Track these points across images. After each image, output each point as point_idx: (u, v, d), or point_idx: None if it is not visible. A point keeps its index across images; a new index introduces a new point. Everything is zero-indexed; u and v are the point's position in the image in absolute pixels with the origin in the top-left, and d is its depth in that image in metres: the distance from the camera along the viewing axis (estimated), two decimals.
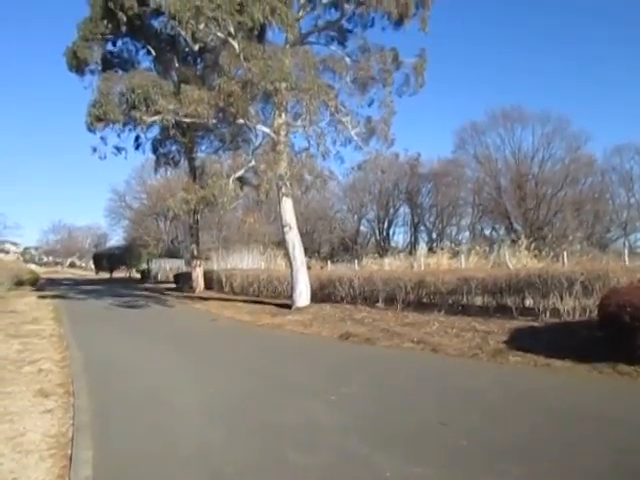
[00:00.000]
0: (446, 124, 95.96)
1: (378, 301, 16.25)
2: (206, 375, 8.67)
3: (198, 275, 30.08)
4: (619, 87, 70.95)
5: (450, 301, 14.49)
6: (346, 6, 17.75)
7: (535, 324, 11.44)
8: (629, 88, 70.34)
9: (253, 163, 18.11)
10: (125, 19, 18.00)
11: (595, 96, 72.98)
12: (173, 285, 35.36)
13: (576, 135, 45.20)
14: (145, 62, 24.55)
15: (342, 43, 19.29)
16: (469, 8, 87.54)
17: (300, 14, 17.87)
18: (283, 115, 17.54)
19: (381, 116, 18.38)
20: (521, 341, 9.99)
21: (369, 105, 18.63)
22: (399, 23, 17.61)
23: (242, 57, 15.51)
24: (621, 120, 72.31)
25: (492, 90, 79.45)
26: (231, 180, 17.08)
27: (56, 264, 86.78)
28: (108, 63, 22.84)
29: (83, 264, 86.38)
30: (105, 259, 58.36)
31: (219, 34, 15.66)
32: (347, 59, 18.10)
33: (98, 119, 17.46)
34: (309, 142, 17.60)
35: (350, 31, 19.15)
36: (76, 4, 58.94)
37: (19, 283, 29.62)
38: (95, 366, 9.30)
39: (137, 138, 23.95)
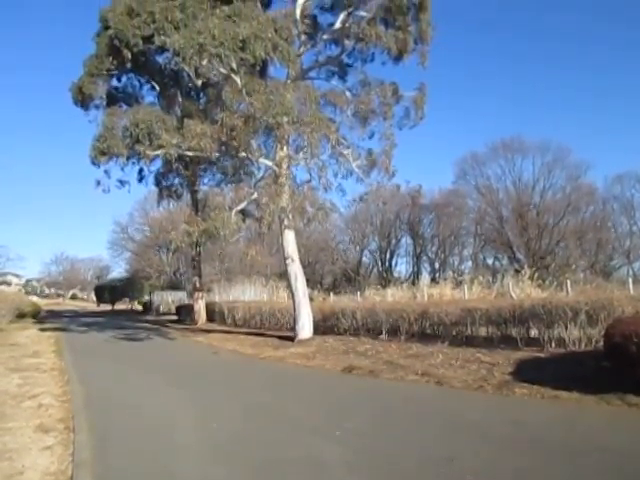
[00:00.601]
0: (446, 155, 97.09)
1: (381, 333, 16.12)
2: (208, 410, 8.54)
3: (200, 307, 29.99)
4: (618, 116, 71.90)
5: (454, 332, 14.35)
6: (346, 42, 18.15)
7: (540, 355, 11.31)
8: (628, 117, 71.28)
9: (255, 196, 18.22)
10: (130, 56, 18.35)
11: (594, 125, 73.90)
12: (175, 317, 35.23)
13: (576, 164, 45.64)
14: (149, 97, 25.06)
15: (343, 77, 19.69)
16: (468, 40, 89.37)
17: (301, 50, 18.25)
18: (285, 148, 17.73)
19: (382, 148, 18.60)
20: (527, 372, 9.87)
21: (370, 138, 18.89)
22: (398, 58, 18.01)
23: (244, 92, 15.76)
24: (621, 149, 73.00)
25: (491, 121, 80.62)
26: (233, 213, 17.17)
27: (58, 296, 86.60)
28: (113, 98, 23.25)
29: (85, 296, 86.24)
30: (107, 291, 58.31)
31: (222, 70, 15.94)
32: (348, 93, 18.39)
33: (102, 153, 17.65)
34: (311, 175, 17.76)
35: (350, 66, 19.56)
36: (72, 40, 60.25)
37: (20, 315, 29.51)
38: (96, 401, 9.18)
39: (140, 171, 24.20)
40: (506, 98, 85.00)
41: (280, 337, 19.12)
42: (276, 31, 15.35)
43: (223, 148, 17.49)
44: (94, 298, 66.61)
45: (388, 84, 18.41)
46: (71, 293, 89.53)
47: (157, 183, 26.77)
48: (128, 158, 19.14)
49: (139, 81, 24.64)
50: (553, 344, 11.70)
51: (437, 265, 53.03)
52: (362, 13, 17.39)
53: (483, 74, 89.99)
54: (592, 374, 8.96)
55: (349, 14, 17.61)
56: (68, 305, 69.55)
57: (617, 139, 71.49)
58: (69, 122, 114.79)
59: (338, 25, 17.97)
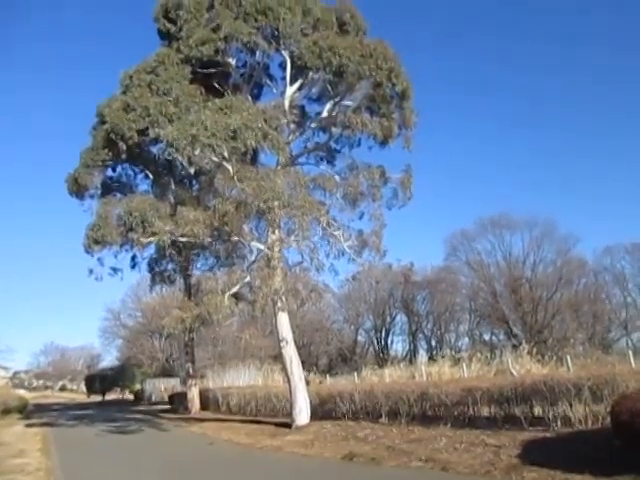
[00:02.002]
0: (436, 232, 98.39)
1: (381, 416, 15.65)
2: None
3: (194, 395, 29.11)
4: (602, 191, 74.08)
5: (456, 413, 13.97)
6: (333, 129, 18.92)
7: (547, 435, 10.97)
8: (612, 191, 73.47)
9: (248, 279, 18.20)
10: (125, 148, 18.88)
11: (580, 200, 75.89)
12: (168, 406, 34.10)
13: (565, 238, 46.35)
14: (143, 185, 25.49)
15: (331, 162, 20.35)
16: (455, 121, 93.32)
17: (290, 138, 18.94)
18: (276, 232, 17.94)
19: (372, 229, 18.87)
20: (535, 454, 9.52)
21: (360, 218, 19.20)
22: (384, 143, 18.75)
23: (236, 179, 16.15)
24: (608, 221, 74.57)
25: (478, 198, 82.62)
26: (226, 297, 17.07)
27: (46, 388, 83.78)
28: (107, 187, 23.66)
29: (74, 387, 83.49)
30: (98, 381, 56.61)
31: (214, 158, 16.40)
32: (336, 177, 18.88)
33: (96, 242, 17.77)
34: (303, 256, 17.84)
35: (338, 151, 20.29)
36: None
37: (6, 411, 28.43)
38: None
39: (133, 258, 24.16)
40: (491, 176, 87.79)
41: (276, 424, 18.50)
42: (266, 121, 15.98)
43: (216, 233, 17.67)
44: (84, 389, 64.52)
45: (375, 167, 18.97)
46: (60, 384, 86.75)
47: (150, 269, 26.73)
48: (121, 246, 19.27)
49: (133, 171, 25.20)
50: (559, 423, 11.37)
51: (434, 342, 52.40)
52: (348, 102, 18.23)
53: (468, 154, 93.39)
54: (602, 454, 8.65)
55: (335, 104, 18.46)
56: (57, 397, 67.15)
57: (602, 212, 73.27)
58: (56, 214, 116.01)
59: (325, 114, 18.78)
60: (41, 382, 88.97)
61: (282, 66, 19.59)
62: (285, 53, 18.34)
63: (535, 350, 19.99)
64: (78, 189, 21.78)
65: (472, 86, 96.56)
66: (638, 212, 69.07)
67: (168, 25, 19.37)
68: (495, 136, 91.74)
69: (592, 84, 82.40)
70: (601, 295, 47.61)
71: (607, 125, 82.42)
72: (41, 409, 38.24)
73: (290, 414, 17.92)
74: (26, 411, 33.87)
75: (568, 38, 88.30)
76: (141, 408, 36.52)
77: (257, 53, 18.94)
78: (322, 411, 18.13)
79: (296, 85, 19.10)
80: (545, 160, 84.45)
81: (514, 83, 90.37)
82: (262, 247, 17.99)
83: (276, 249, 17.68)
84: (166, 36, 19.79)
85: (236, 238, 17.74)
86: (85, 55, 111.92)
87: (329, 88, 18.16)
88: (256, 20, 17.19)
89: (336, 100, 18.39)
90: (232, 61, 19.03)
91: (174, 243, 18.60)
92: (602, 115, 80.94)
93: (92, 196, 22.48)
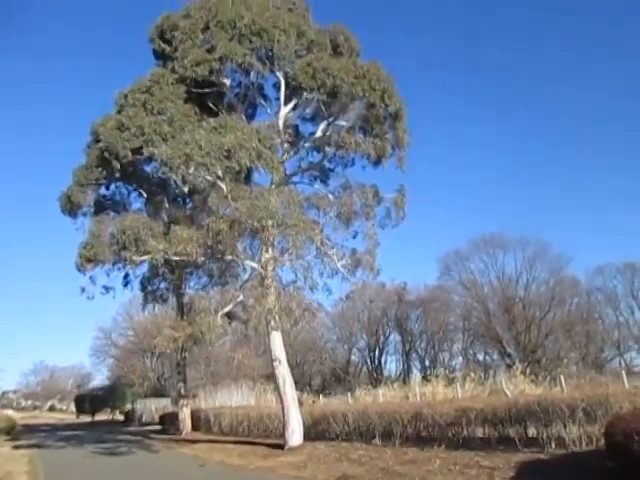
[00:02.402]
0: (430, 252, 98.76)
1: (375, 436, 15.52)
2: None
3: (185, 415, 28.74)
4: (594, 210, 74.66)
5: (450, 434, 13.87)
6: (327, 149, 19.02)
7: (541, 456, 10.89)
8: (603, 210, 74.05)
9: (241, 298, 18.16)
10: (119, 166, 18.88)
11: (571, 219, 76.40)
12: (159, 427, 33.65)
13: (557, 257, 46.53)
14: (136, 203, 25.47)
15: (325, 181, 20.42)
16: (448, 141, 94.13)
17: (284, 157, 19.03)
18: (270, 250, 17.92)
19: (366, 248, 18.86)
20: (529, 477, 9.48)
21: (354, 237, 19.22)
22: (378, 163, 18.89)
23: (230, 197, 16.16)
24: (599, 241, 75.03)
25: (471, 218, 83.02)
26: (219, 316, 16.99)
27: (35, 408, 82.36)
28: (100, 206, 23.65)
29: (64, 407, 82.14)
30: (87, 401, 55.69)
31: (208, 177, 16.44)
32: (330, 196, 18.94)
33: (88, 260, 17.70)
34: (296, 275, 17.78)
35: (332, 170, 20.37)
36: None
37: None
38: None
39: (126, 276, 24.08)
40: (484, 196, 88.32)
41: (269, 445, 18.29)
42: (260, 141, 16.05)
43: (209, 252, 17.63)
44: (74, 409, 63.52)
45: (369, 187, 19.07)
46: (49, 404, 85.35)
47: (143, 288, 26.60)
48: (114, 264, 19.20)
49: (127, 189, 25.21)
50: (553, 444, 11.30)
51: (427, 362, 52.16)
52: (341, 122, 18.36)
53: (461, 174, 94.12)
54: (597, 476, 8.60)
55: (329, 124, 18.59)
56: (45, 418, 66.07)
57: (593, 231, 73.85)
58: (45, 233, 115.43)
59: (319, 134, 18.91)
60: (30, 402, 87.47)
61: (276, 86, 19.80)
62: (279, 74, 18.54)
63: (529, 370, 19.91)
64: (71, 207, 21.77)
65: (465, 105, 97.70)
66: (629, 232, 69.77)
67: (163, 45, 19.58)
68: (488, 156, 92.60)
69: (581, 100, 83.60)
70: (594, 315, 47.76)
71: (599, 143, 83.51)
72: (29, 430, 37.57)
73: (283, 435, 17.74)
74: (14, 432, 33.27)
75: (571, 52, 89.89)
76: (131, 429, 36.02)
77: (252, 73, 19.12)
78: (315, 432, 17.95)
79: (290, 105, 19.26)
80: (537, 180, 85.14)
81: (507, 102, 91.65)
82: (256, 266, 17.95)
83: (270, 268, 17.65)
84: (161, 56, 19.98)
85: (230, 257, 17.70)
86: (77, 73, 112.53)
87: (323, 108, 18.30)
88: (251, 41, 17.38)
89: (330, 120, 18.53)
90: (227, 81, 19.19)
91: (167, 262, 18.53)
92: (593, 134, 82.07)
93: (85, 214, 22.48)
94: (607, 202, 75.65)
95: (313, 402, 28.01)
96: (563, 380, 14.64)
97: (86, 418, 54.75)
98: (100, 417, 54.49)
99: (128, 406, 49.57)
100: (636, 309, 48.55)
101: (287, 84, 18.49)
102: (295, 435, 17.27)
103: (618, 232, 68.18)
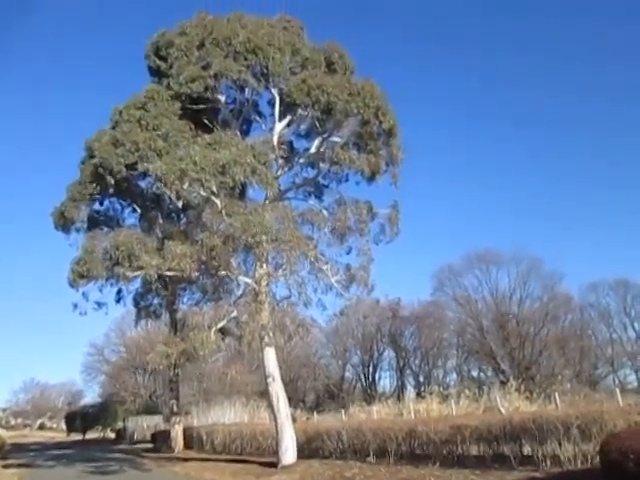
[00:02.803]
0: (423, 267, 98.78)
1: (369, 454, 15.39)
2: None
3: (177, 433, 28.36)
4: (586, 226, 75.19)
5: (444, 451, 13.77)
6: (321, 165, 19.11)
7: (537, 475, 10.84)
8: (595, 227, 74.62)
9: (235, 313, 18.06)
10: (113, 182, 18.88)
11: (564, 235, 76.88)
12: (150, 445, 33.23)
13: (550, 274, 46.56)
14: (130, 219, 25.42)
15: (319, 197, 20.49)
16: (442, 157, 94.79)
17: (279, 173, 19.10)
18: (264, 266, 17.89)
19: (360, 263, 18.84)
20: None
21: (348, 253, 19.20)
22: (372, 179, 18.97)
23: (224, 213, 16.17)
24: (592, 257, 75.38)
25: (465, 233, 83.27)
26: (212, 332, 16.88)
27: (24, 426, 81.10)
28: (94, 221, 23.56)
29: (54, 425, 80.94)
30: (78, 419, 54.92)
31: (202, 193, 16.45)
32: (324, 212, 18.97)
33: (81, 276, 17.60)
34: (290, 291, 17.74)
35: (326, 186, 20.46)
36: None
37: None
38: None
39: (119, 292, 23.98)
40: (477, 211, 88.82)
41: (262, 463, 18.08)
42: (255, 157, 16.11)
43: (203, 267, 17.58)
44: (64, 427, 62.58)
45: (363, 203, 19.12)
46: (39, 423, 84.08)
47: (136, 303, 26.44)
48: (107, 280, 19.09)
49: (121, 205, 25.16)
50: (548, 462, 11.25)
51: (421, 378, 51.87)
52: (336, 139, 18.48)
53: (455, 189, 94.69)
54: None
55: (323, 140, 18.71)
56: (35, 436, 65.00)
57: (586, 248, 74.28)
58: (36, 249, 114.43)
59: (313, 150, 19.01)
60: (19, 420, 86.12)
61: (271, 103, 19.92)
62: (274, 90, 18.68)
63: (523, 387, 19.86)
64: (64, 223, 21.68)
65: (459, 120, 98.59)
66: (622, 248, 70.22)
67: (159, 62, 19.72)
68: (482, 172, 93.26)
69: (572, 126, 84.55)
70: (587, 331, 47.75)
71: (593, 159, 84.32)
72: (19, 449, 37.00)
73: (276, 453, 17.54)
74: (3, 451, 32.74)
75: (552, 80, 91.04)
76: (123, 447, 35.57)
77: (246, 90, 19.28)
78: (309, 449, 17.78)
79: (285, 121, 19.38)
80: (530, 196, 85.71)
81: (501, 118, 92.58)
82: (250, 281, 17.90)
83: (264, 283, 17.61)
84: (156, 73, 20.10)
85: (223, 272, 17.65)
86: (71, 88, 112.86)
87: (317, 125, 18.44)
88: (246, 59, 17.55)
89: (324, 136, 18.64)
90: (222, 98, 19.31)
91: (160, 277, 18.45)
92: (586, 149, 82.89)
93: (78, 230, 22.36)
94: (600, 218, 76.26)
95: (307, 419, 27.78)
96: (557, 397, 14.61)
97: (77, 436, 53.97)
98: (91, 435, 53.75)
99: (120, 424, 49.00)
100: (629, 326, 48.74)
101: (282, 101, 18.63)
102: (289, 453, 17.09)
103: (611, 248, 68.72)
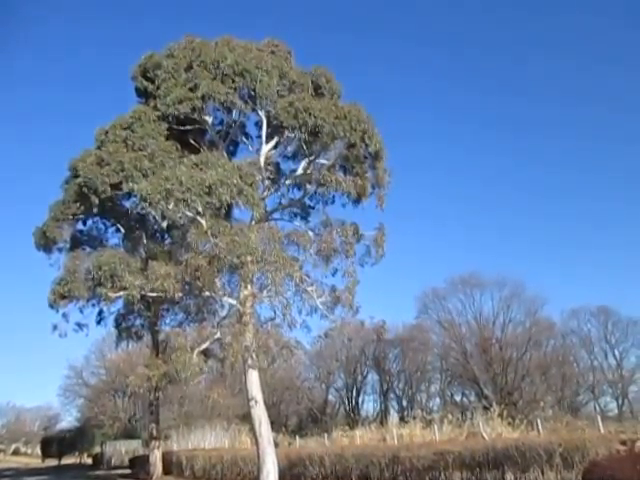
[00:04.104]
0: (408, 290, 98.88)
1: None
2: None
3: (156, 458, 27.67)
4: (569, 253, 76.20)
5: (427, 478, 13.64)
6: (308, 186, 19.19)
7: None
8: (578, 254, 75.63)
9: (218, 335, 17.84)
10: (97, 202, 18.77)
11: (547, 262, 77.74)
12: (128, 470, 32.47)
13: (533, 299, 46.82)
14: (114, 239, 25.17)
15: (305, 218, 20.52)
16: (427, 180, 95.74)
17: (265, 194, 19.11)
18: (249, 287, 17.76)
19: (345, 285, 18.80)
20: None
21: (333, 275, 19.13)
22: (358, 201, 19.08)
23: (210, 233, 16.06)
24: (574, 283, 76.15)
25: (450, 257, 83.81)
26: (195, 353, 16.65)
27: None
28: (77, 241, 23.29)
29: (29, 450, 78.74)
30: (54, 444, 53.58)
31: (188, 213, 16.38)
32: (310, 233, 18.97)
33: (62, 296, 17.38)
34: (275, 312, 17.61)
35: (312, 208, 20.50)
36: None
37: None
38: None
39: (100, 313, 23.64)
40: (462, 235, 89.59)
41: None
42: (241, 177, 16.12)
43: (187, 288, 17.42)
44: (39, 452, 60.88)
45: (349, 224, 19.15)
46: (13, 447, 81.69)
47: (117, 324, 26.07)
48: (88, 300, 18.86)
49: (104, 224, 24.91)
50: None
51: (405, 402, 51.51)
52: (322, 161, 18.60)
53: (440, 213, 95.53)
54: None
55: (310, 162, 18.81)
56: (9, 462, 63.13)
57: (568, 274, 75.07)
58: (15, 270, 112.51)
59: (300, 171, 19.11)
60: None
61: (258, 125, 20.01)
62: (261, 113, 18.79)
63: (506, 412, 19.80)
64: (46, 242, 21.44)
65: (443, 144, 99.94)
66: (603, 275, 71.12)
67: (146, 83, 19.79)
68: (465, 196, 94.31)
69: (562, 144, 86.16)
70: (569, 358, 47.99)
71: (575, 188, 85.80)
72: None
73: (257, 478, 17.21)
74: None
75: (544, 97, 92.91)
76: (99, 473, 34.76)
77: (234, 112, 19.35)
78: (291, 475, 17.55)
79: (272, 143, 19.47)
80: (514, 221, 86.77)
81: (486, 142, 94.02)
82: (234, 302, 17.76)
83: (248, 304, 17.47)
84: (143, 94, 20.18)
85: (207, 293, 17.51)
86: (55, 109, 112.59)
87: (304, 147, 18.53)
88: (233, 81, 17.67)
89: (311, 158, 18.75)
90: (209, 119, 19.36)
91: (143, 298, 18.27)
92: (569, 177, 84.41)
93: (60, 250, 22.13)
94: (583, 247, 77.40)
95: (289, 444, 27.39)
96: (540, 424, 14.59)
97: (52, 462, 52.57)
98: (67, 461, 52.41)
99: (97, 449, 47.87)
100: (609, 353, 49.12)
101: (269, 123, 18.75)
102: (270, 478, 16.76)
103: (593, 276, 69.50)
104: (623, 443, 10.55)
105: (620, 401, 47.35)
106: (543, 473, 10.98)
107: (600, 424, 13.21)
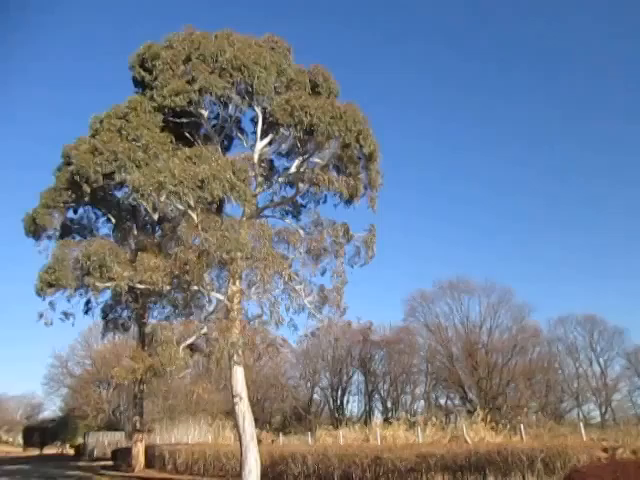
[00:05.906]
0: (396, 292, 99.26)
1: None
2: None
3: (139, 451, 27.61)
4: (556, 262, 76.68)
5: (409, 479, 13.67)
6: (300, 185, 19.13)
7: None
8: (566, 263, 76.15)
9: (205, 330, 17.79)
10: (89, 190, 18.64)
11: (535, 269, 78.28)
12: (110, 462, 32.33)
13: (520, 306, 47.18)
14: (104, 229, 25.05)
15: (296, 217, 20.49)
16: (417, 184, 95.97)
17: (257, 190, 19.06)
18: (237, 283, 17.72)
19: (333, 285, 18.79)
20: None
21: (322, 274, 19.09)
22: (349, 201, 19.03)
23: (200, 228, 16.01)
24: (561, 292, 76.77)
25: (438, 260, 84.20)
26: (181, 348, 16.58)
27: None
28: (67, 229, 23.15)
29: (10, 439, 78.05)
30: (37, 433, 53.20)
31: (179, 206, 16.31)
32: (301, 231, 18.95)
33: (49, 284, 17.20)
34: (262, 309, 17.58)
35: (304, 206, 20.48)
36: None
37: None
38: None
39: (87, 303, 23.52)
40: (451, 239, 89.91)
41: None
42: (234, 173, 16.06)
43: (175, 281, 17.34)
44: (21, 441, 60.40)
45: (340, 224, 19.14)
46: None
47: (104, 315, 25.94)
48: (76, 290, 18.71)
49: (95, 214, 24.78)
50: None
51: (389, 404, 51.72)
52: (316, 160, 18.57)
53: (429, 217, 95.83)
54: None
55: (304, 160, 18.78)
56: None
57: (556, 282, 75.67)
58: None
59: (293, 170, 19.06)
60: None
61: (254, 121, 19.95)
62: (257, 109, 18.73)
63: (489, 417, 19.89)
64: (36, 230, 21.27)
65: (435, 147, 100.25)
66: (590, 284, 71.67)
67: (143, 73, 19.64)
68: (456, 200, 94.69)
69: (551, 149, 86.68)
70: (554, 365, 48.37)
71: (564, 196, 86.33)
72: None
73: (239, 475, 17.18)
74: None
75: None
76: (81, 464, 34.53)
77: (230, 107, 19.26)
78: (273, 473, 17.52)
79: (266, 140, 19.41)
80: (503, 227, 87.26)
81: (477, 146, 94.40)
82: (222, 298, 17.71)
83: (236, 300, 17.43)
84: (140, 84, 20.02)
85: (196, 287, 17.43)
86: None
87: (298, 145, 18.51)
88: (231, 76, 17.57)
89: (305, 157, 18.72)
90: (204, 112, 19.25)
91: (131, 289, 18.16)
92: (559, 185, 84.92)
93: (50, 237, 21.98)
94: (570, 256, 77.95)
95: (272, 441, 27.37)
96: (523, 429, 14.67)
97: (34, 451, 52.21)
98: (49, 451, 52.07)
99: (80, 439, 47.61)
100: (594, 361, 49.58)
101: (264, 119, 18.69)
102: (252, 476, 16.71)
103: (580, 284, 69.99)
104: (605, 450, 10.65)
105: (603, 409, 47.84)
106: (524, 478, 11.05)
107: (583, 431, 13.31)
